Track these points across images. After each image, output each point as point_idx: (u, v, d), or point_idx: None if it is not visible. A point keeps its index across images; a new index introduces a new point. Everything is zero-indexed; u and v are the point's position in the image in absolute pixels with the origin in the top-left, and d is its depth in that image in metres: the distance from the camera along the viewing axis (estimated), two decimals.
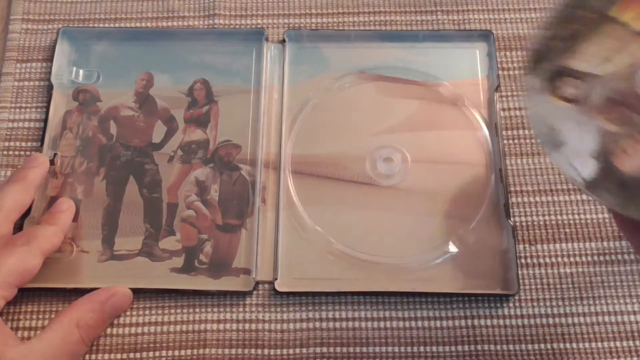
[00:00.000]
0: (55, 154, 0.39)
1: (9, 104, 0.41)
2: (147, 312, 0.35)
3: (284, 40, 0.42)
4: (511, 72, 0.41)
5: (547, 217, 0.37)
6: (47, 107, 0.40)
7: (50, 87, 0.41)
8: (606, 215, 0.37)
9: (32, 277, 0.32)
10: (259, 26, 0.43)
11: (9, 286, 0.31)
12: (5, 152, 0.40)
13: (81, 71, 0.41)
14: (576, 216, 0.37)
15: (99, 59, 0.42)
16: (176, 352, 0.34)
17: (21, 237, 0.33)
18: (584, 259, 0.36)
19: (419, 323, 0.35)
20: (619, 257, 0.36)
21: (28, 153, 0.40)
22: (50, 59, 0.42)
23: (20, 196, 0.35)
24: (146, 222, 0.37)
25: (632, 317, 0.35)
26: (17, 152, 0.40)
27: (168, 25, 0.43)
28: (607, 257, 0.36)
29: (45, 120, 0.40)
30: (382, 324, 0.35)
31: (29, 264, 0.32)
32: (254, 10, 0.44)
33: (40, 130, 0.40)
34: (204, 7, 0.43)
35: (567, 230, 0.37)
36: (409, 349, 0.34)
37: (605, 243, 0.37)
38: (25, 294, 0.35)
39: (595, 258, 0.36)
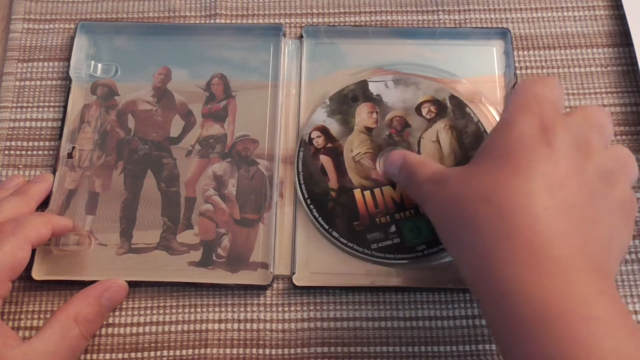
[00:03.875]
0: (73, 147, 0.39)
1: (10, 103, 0.41)
2: (148, 311, 0.35)
3: (301, 36, 0.42)
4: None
5: None
6: (66, 102, 0.40)
7: (68, 81, 0.41)
8: None
9: (23, 269, 0.32)
10: None
11: (1, 282, 0.31)
12: (6, 152, 0.40)
13: (99, 65, 0.41)
14: None
15: (117, 53, 0.42)
16: (177, 352, 0.34)
17: (8, 223, 0.32)
18: None
19: (420, 323, 0.35)
20: None
21: (30, 152, 0.40)
22: (51, 59, 0.42)
23: (19, 208, 0.34)
24: (164, 216, 0.37)
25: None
26: (18, 152, 0.40)
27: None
28: None
29: (64, 114, 0.40)
30: (383, 324, 0.35)
31: (18, 257, 0.31)
32: (255, 10, 0.44)
33: (41, 129, 0.40)
34: (205, 6, 0.44)
35: None
36: (409, 348, 0.34)
37: None
38: (45, 286, 0.36)
39: None
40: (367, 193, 0.37)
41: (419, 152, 0.38)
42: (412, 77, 0.39)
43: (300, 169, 0.37)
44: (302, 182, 0.37)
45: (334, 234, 0.36)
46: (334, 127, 0.38)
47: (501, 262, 0.26)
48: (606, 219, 0.28)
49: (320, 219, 0.36)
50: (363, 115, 0.38)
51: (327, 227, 0.36)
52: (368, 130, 0.38)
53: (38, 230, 0.32)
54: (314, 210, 0.36)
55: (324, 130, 0.38)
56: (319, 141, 0.38)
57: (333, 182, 0.37)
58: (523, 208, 0.26)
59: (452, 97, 0.39)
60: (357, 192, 0.37)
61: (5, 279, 0.31)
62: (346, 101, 0.39)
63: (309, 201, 0.37)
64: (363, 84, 0.39)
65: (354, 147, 0.38)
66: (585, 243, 0.26)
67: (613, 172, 0.29)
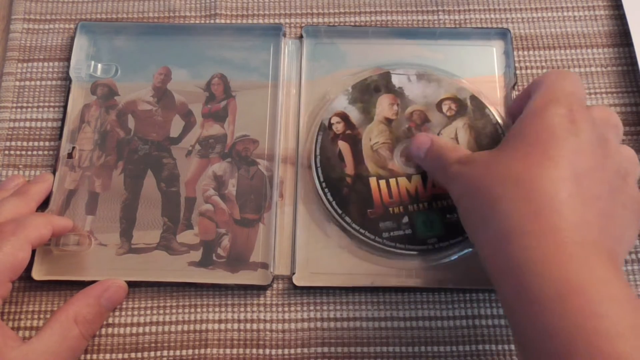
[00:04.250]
0: (73, 147, 0.39)
1: (10, 103, 0.41)
2: (148, 311, 0.35)
3: (301, 36, 0.42)
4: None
5: None
6: (66, 102, 0.40)
7: (68, 81, 0.41)
8: None
9: (23, 270, 0.32)
10: None
11: (1, 283, 0.31)
12: (6, 152, 0.40)
13: (99, 65, 0.41)
14: None
15: (117, 53, 0.42)
16: (177, 352, 0.34)
17: (8, 224, 0.32)
18: None
19: (420, 323, 0.35)
20: None
21: (30, 152, 0.40)
22: (51, 59, 0.42)
23: (20, 208, 0.34)
24: (164, 216, 0.37)
25: None
26: (18, 152, 0.40)
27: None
28: None
29: (64, 114, 0.40)
30: (383, 324, 0.35)
31: (18, 257, 0.31)
32: (255, 10, 0.44)
33: (41, 129, 0.40)
34: (205, 6, 0.44)
35: None
36: (410, 349, 0.34)
37: None
38: (45, 286, 0.36)
39: None
40: (383, 182, 0.37)
41: None
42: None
43: (317, 152, 0.37)
44: (318, 165, 0.37)
45: (347, 219, 0.36)
46: (354, 114, 0.39)
47: (525, 240, 0.27)
48: (620, 216, 0.29)
49: (334, 203, 0.37)
50: (384, 105, 0.39)
51: (340, 212, 0.36)
52: (388, 121, 0.38)
53: (38, 231, 0.32)
54: (328, 194, 0.37)
55: (344, 117, 0.38)
56: (338, 127, 0.38)
57: (350, 168, 0.38)
58: (550, 192, 0.27)
59: (473, 98, 0.39)
60: (372, 181, 0.37)
61: (5, 280, 0.31)
62: (368, 91, 0.39)
63: (324, 184, 0.37)
64: (386, 75, 0.40)
65: (373, 136, 0.38)
66: (601, 234, 0.27)
67: (627, 172, 0.31)
